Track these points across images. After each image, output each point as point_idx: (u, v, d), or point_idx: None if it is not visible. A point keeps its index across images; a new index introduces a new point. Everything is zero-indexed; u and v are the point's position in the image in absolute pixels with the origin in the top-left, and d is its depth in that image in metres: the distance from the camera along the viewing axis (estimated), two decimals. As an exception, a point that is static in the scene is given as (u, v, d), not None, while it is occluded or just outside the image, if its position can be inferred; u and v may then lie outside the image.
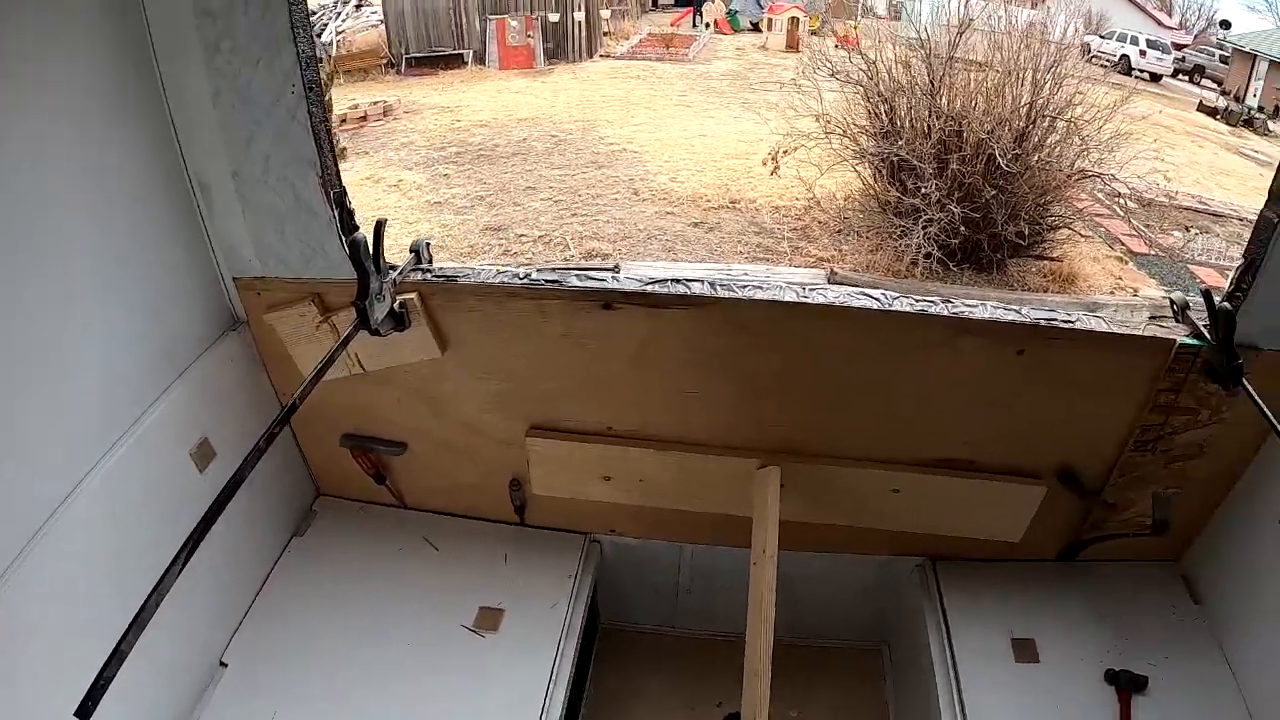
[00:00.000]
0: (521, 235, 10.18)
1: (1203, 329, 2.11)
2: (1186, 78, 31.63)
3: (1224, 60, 32.27)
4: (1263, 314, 2.05)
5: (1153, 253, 11.42)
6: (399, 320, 2.19)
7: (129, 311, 1.96)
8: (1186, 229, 12.32)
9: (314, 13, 17.93)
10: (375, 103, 16.05)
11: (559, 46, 21.73)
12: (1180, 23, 40.51)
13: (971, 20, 9.48)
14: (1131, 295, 9.93)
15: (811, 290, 2.24)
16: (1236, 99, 28.02)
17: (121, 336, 1.93)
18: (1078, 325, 2.18)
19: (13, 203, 1.59)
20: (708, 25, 25.13)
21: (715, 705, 2.93)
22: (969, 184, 8.69)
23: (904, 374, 2.29)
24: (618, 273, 2.45)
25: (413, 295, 2.23)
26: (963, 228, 8.67)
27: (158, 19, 1.89)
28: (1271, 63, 28.61)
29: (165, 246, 2.07)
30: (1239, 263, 2.07)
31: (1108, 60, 29.19)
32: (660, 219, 10.63)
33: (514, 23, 20.55)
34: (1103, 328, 2.19)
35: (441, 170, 12.64)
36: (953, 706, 2.32)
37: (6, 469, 1.61)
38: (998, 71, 9.09)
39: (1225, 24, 35.50)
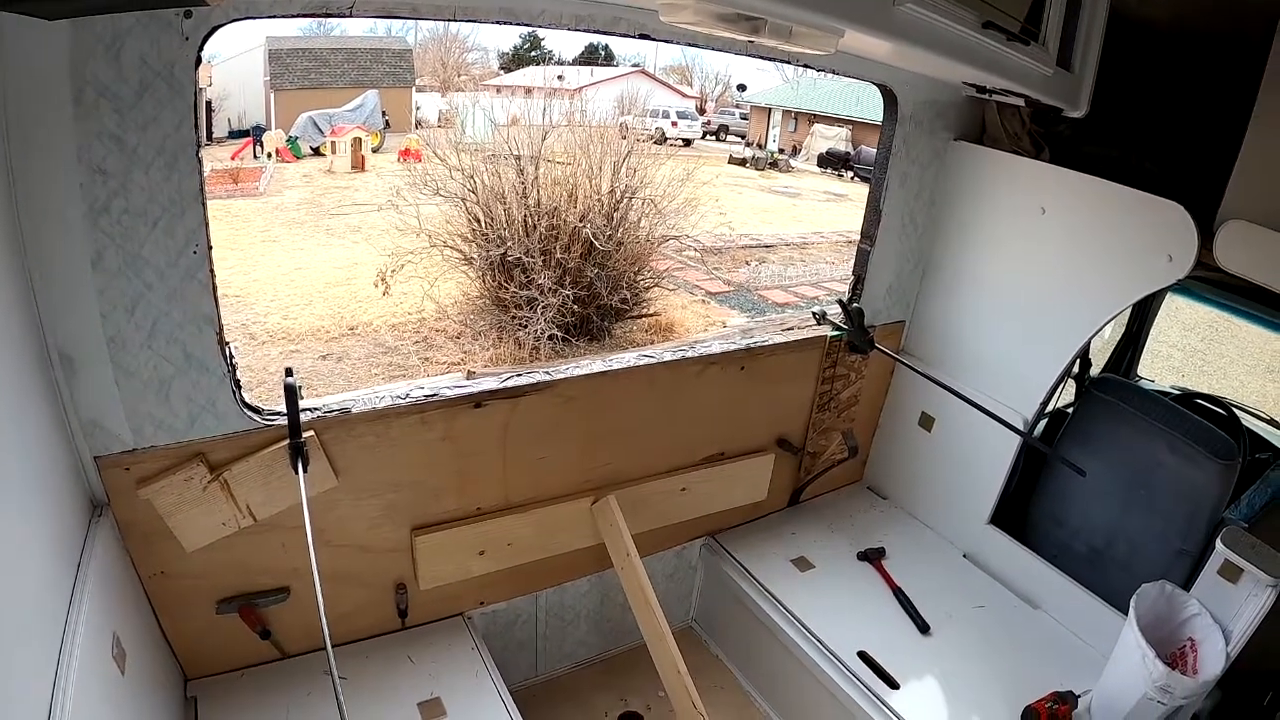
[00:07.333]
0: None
1: (840, 323, 3.20)
2: (714, 137, 37.15)
3: (744, 117, 38.69)
4: (870, 306, 3.26)
5: (728, 289, 13.52)
6: (304, 460, 2.17)
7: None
8: (748, 263, 14.67)
9: None
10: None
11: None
12: (700, 91, 47.32)
13: (550, 129, 10.61)
14: (723, 327, 11.60)
15: (611, 360, 2.87)
16: (759, 146, 33.60)
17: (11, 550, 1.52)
18: (774, 341, 3.14)
19: None
20: (270, 155, 24.06)
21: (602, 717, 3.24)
22: (572, 268, 9.72)
23: (676, 402, 3.00)
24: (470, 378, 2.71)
25: (310, 433, 2.23)
26: (575, 306, 9.65)
27: (28, 174, 1.64)
28: (784, 112, 35.12)
29: (14, 432, 1.64)
30: (850, 278, 3.35)
31: (644, 135, 33.27)
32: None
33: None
34: (786, 338, 3.19)
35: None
36: (778, 608, 3.04)
37: None
38: (569, 164, 10.30)
39: (741, 87, 42.52)
